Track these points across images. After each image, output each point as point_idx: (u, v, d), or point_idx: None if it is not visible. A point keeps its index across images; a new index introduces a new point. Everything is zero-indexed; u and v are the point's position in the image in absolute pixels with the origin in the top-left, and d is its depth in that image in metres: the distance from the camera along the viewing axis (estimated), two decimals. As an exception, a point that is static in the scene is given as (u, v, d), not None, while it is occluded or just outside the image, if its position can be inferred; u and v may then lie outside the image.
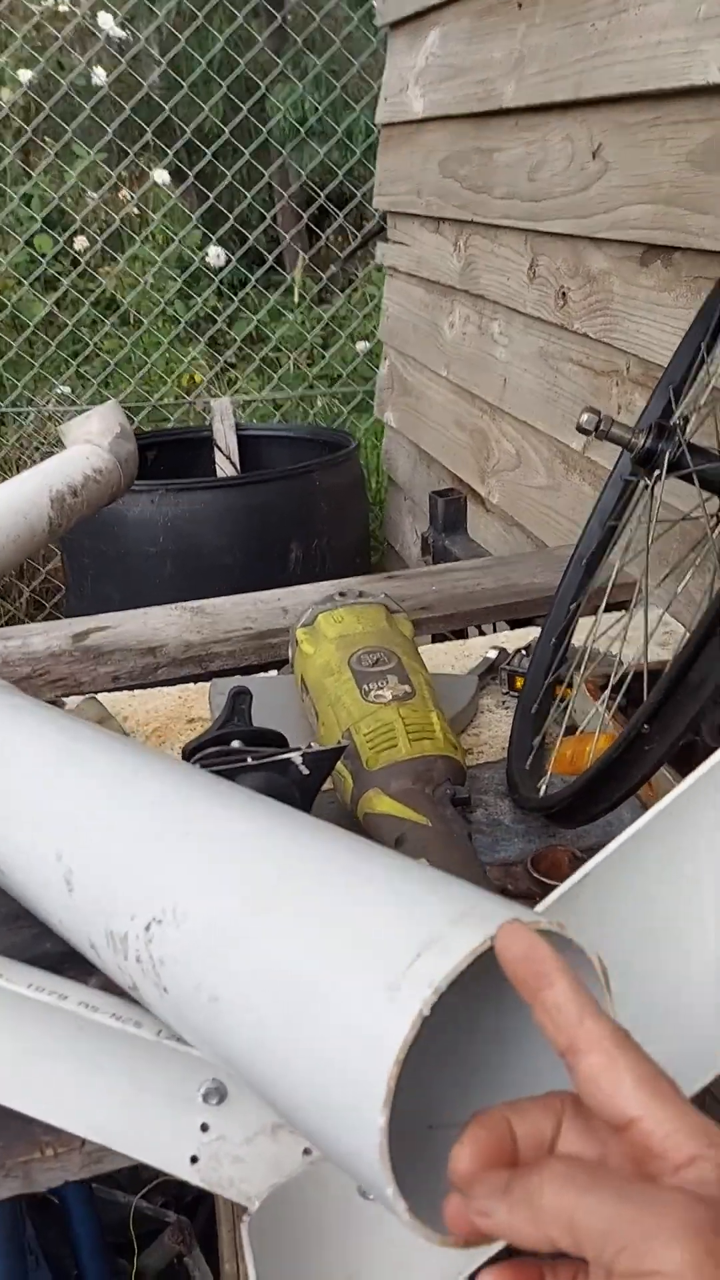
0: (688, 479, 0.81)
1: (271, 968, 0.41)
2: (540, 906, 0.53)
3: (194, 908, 0.47)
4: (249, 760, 0.79)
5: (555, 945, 0.39)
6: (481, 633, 1.51)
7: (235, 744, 0.85)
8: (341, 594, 1.02)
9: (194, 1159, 0.61)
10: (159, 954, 0.47)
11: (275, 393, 3.56)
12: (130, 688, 1.23)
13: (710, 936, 0.54)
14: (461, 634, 1.56)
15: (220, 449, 2.87)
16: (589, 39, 1.40)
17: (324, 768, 0.80)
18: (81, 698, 1.16)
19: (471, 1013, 0.45)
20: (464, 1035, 0.46)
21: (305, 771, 0.79)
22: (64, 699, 1.18)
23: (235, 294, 3.75)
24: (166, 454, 2.80)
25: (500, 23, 1.73)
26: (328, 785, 0.87)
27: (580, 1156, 0.36)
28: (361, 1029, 0.37)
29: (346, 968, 0.39)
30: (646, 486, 0.86)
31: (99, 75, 4.04)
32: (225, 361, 3.70)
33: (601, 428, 0.83)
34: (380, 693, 0.87)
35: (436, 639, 1.58)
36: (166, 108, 3.22)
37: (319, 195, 3.41)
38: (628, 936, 0.53)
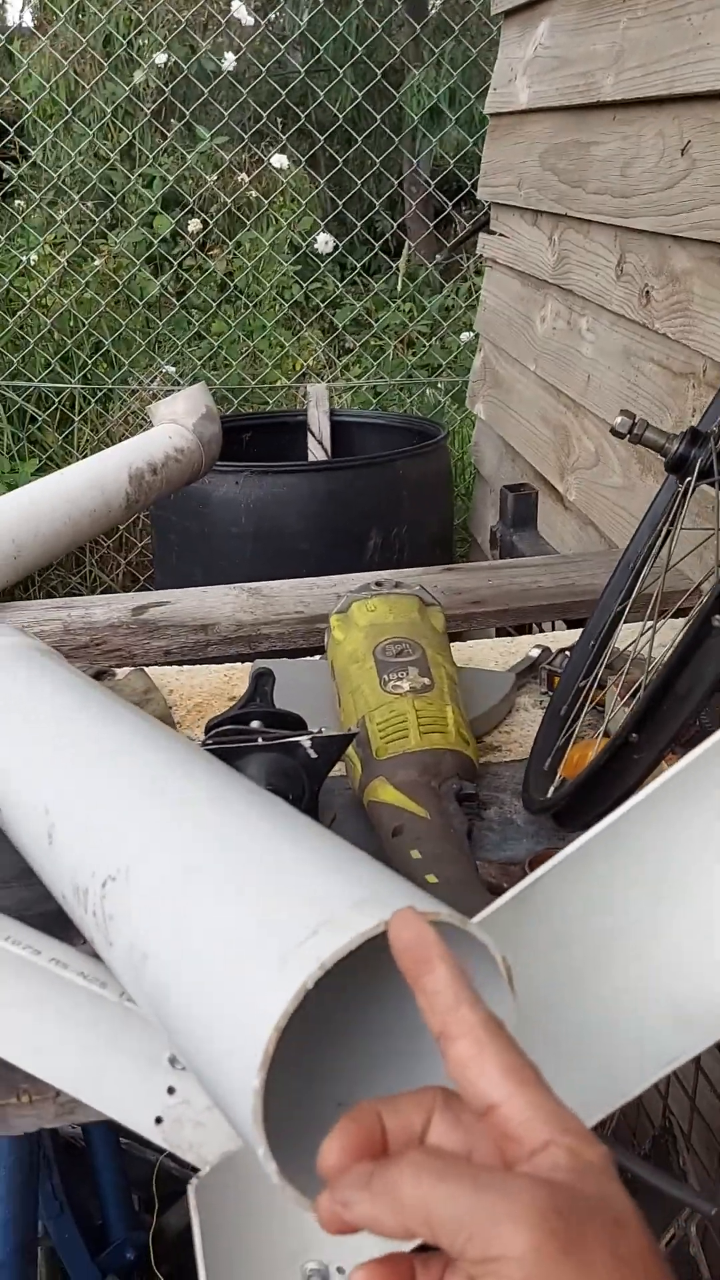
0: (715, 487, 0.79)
1: (192, 932, 0.43)
2: (492, 907, 0.54)
3: (141, 869, 0.49)
4: (259, 740, 0.81)
5: (457, 940, 0.40)
6: (541, 630, 1.50)
7: (255, 724, 0.87)
8: (378, 583, 1.03)
9: (159, 1120, 0.63)
10: (110, 909, 0.50)
11: (375, 380, 3.58)
12: (180, 663, 1.26)
13: (662, 942, 0.54)
14: (525, 630, 1.55)
15: (313, 433, 2.89)
16: (685, 33, 1.38)
17: (332, 753, 0.81)
18: (130, 669, 1.19)
19: (402, 1002, 0.46)
20: (396, 1023, 0.47)
21: (313, 755, 0.80)
22: (115, 669, 1.22)
23: (353, 281, 3.77)
24: (261, 436, 2.84)
25: (605, 14, 1.71)
26: (341, 771, 0.88)
27: (446, 1148, 0.37)
28: (253, 997, 0.38)
29: (251, 939, 0.40)
30: (682, 493, 0.85)
31: (229, 60, 4.10)
32: (326, 348, 3.72)
33: (635, 431, 0.82)
34: (398, 684, 0.87)
35: (500, 634, 1.57)
36: (283, 93, 3.25)
37: (429, 185, 3.40)
38: (579, 940, 0.54)
